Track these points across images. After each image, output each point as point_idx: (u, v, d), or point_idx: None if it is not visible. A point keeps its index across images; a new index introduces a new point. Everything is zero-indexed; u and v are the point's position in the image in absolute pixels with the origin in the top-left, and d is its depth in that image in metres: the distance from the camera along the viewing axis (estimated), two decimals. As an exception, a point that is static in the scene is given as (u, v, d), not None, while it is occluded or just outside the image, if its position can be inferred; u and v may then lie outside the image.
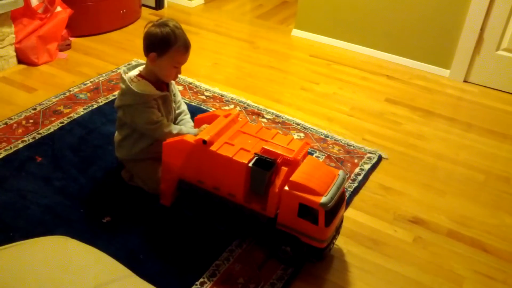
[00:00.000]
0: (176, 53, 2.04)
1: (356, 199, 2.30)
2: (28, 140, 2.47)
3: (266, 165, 1.82)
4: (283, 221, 1.84)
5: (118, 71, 3.13)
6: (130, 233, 2.01)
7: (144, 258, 1.90)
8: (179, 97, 2.32)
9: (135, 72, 2.14)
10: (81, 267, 1.25)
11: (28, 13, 3.15)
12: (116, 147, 2.25)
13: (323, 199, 1.73)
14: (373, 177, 2.46)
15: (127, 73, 2.13)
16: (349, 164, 2.50)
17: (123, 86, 2.09)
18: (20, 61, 3.19)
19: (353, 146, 2.64)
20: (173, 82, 2.25)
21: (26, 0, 3.08)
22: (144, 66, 2.16)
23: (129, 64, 2.22)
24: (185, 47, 2.05)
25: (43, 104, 2.77)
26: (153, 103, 2.08)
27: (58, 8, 3.27)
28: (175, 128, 2.10)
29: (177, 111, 2.29)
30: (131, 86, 2.05)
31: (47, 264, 1.22)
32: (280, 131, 2.14)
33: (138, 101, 2.05)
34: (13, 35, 3.11)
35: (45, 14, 3.21)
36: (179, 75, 2.17)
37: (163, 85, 2.15)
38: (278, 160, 1.84)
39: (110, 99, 2.84)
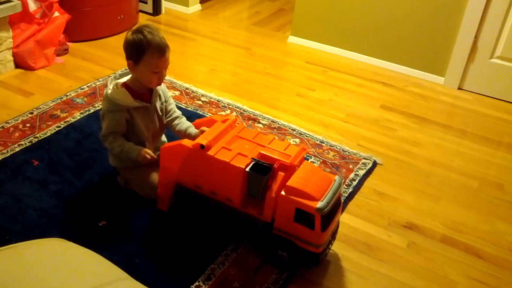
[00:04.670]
0: (151, 58, 2.00)
1: (351, 205, 2.32)
2: (25, 144, 2.48)
3: (263, 170, 1.84)
4: (280, 226, 1.85)
5: (115, 76, 3.14)
6: (126, 237, 2.02)
7: (140, 261, 1.91)
8: (171, 105, 2.28)
9: (124, 79, 2.15)
10: (77, 269, 1.25)
11: (26, 18, 3.17)
12: (109, 155, 2.27)
13: (319, 204, 1.75)
14: (367, 182, 2.47)
15: (118, 78, 2.15)
16: (344, 170, 2.52)
17: (104, 91, 2.11)
18: (17, 65, 3.20)
19: (348, 152, 2.66)
20: (165, 89, 2.25)
21: (24, 5, 3.09)
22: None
23: (126, 69, 2.22)
24: (160, 50, 2.00)
25: (40, 108, 2.78)
26: (121, 114, 2.07)
27: (56, 13, 3.28)
28: (118, 146, 2.07)
29: (172, 117, 2.26)
30: (108, 92, 2.07)
31: (43, 266, 1.22)
32: (276, 137, 2.16)
33: (109, 108, 2.07)
34: (11, 40, 3.12)
35: (43, 19, 3.23)
36: (172, 77, 2.15)
37: (145, 95, 2.13)
38: (275, 165, 1.85)
39: (107, 104, 2.85)
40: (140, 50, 2.00)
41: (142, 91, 2.12)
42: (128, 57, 2.04)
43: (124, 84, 2.10)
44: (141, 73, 2.05)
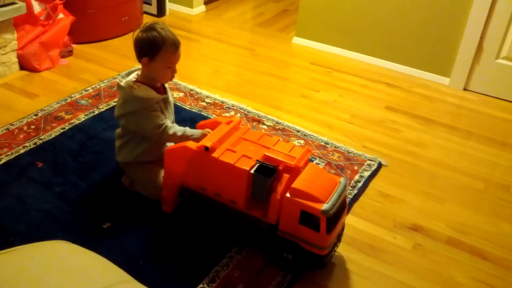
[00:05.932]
0: (167, 54, 2.06)
1: (356, 206, 2.31)
2: (30, 145, 2.48)
3: (268, 172, 1.83)
4: (285, 228, 1.84)
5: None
6: (130, 238, 2.01)
7: (144, 264, 1.91)
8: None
9: (131, 78, 2.16)
10: (81, 271, 1.25)
11: (31, 19, 3.17)
12: (117, 151, 2.27)
13: (324, 206, 1.74)
14: (372, 184, 2.46)
15: (122, 81, 2.15)
16: (349, 171, 2.51)
17: (124, 94, 2.11)
18: (22, 67, 3.21)
19: (353, 153, 2.65)
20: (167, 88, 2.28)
21: (28, 7, 3.10)
22: (137, 71, 2.18)
23: (129, 70, 2.23)
24: (174, 46, 2.07)
25: (45, 110, 2.78)
26: (156, 106, 2.11)
27: (60, 15, 3.29)
28: (179, 130, 2.11)
29: None
30: (134, 93, 2.07)
31: (47, 269, 1.22)
32: (281, 138, 2.15)
33: (142, 106, 2.08)
34: (16, 42, 3.13)
35: (48, 21, 3.23)
36: (175, 78, 2.18)
37: (160, 89, 2.18)
38: (279, 167, 1.85)
39: (111, 105, 2.86)
40: (156, 46, 2.04)
41: (156, 86, 2.15)
42: (143, 55, 2.07)
43: (140, 82, 2.12)
44: (155, 69, 2.09)
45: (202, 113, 2.88)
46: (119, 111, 2.16)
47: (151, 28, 2.06)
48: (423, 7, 3.42)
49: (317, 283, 1.91)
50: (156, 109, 2.11)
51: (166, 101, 2.19)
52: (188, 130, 2.13)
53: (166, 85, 2.25)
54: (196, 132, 2.12)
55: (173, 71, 2.12)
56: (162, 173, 2.12)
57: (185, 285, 1.84)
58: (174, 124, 2.18)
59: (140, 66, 2.16)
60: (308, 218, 1.78)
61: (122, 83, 2.12)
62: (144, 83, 2.11)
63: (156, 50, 2.04)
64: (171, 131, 2.09)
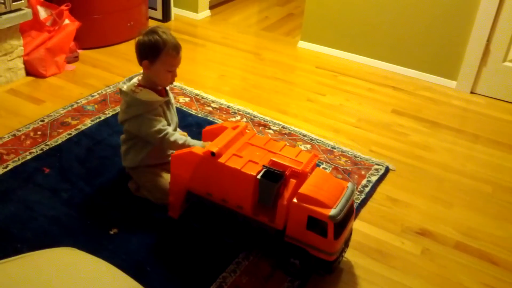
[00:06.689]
0: (167, 57, 2.08)
1: (363, 211, 2.30)
2: (36, 151, 2.48)
3: (275, 177, 1.82)
4: (292, 234, 1.83)
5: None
6: (137, 244, 2.01)
7: (151, 270, 1.90)
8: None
9: (133, 82, 2.17)
10: (88, 279, 1.25)
11: (37, 25, 3.18)
12: (122, 157, 2.27)
13: (332, 212, 1.73)
14: (380, 188, 2.45)
15: (123, 86, 2.17)
16: (356, 176, 2.50)
17: (127, 98, 2.12)
18: (28, 73, 3.21)
19: (360, 158, 2.64)
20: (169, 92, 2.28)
21: (34, 13, 3.11)
22: (138, 77, 2.20)
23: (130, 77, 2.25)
24: (175, 49, 2.09)
25: (51, 115, 2.78)
26: (159, 110, 2.12)
27: (66, 21, 3.29)
28: (181, 139, 2.11)
29: None
30: (137, 96, 2.08)
31: (55, 276, 1.22)
32: (287, 143, 2.14)
33: (145, 110, 2.09)
34: (22, 48, 3.14)
35: (53, 27, 3.24)
36: (182, 83, 2.18)
37: (162, 91, 2.20)
38: (286, 172, 1.84)
39: (117, 111, 2.85)
40: (157, 49, 2.06)
41: (158, 89, 2.17)
42: (144, 58, 2.09)
43: (141, 86, 2.13)
44: (156, 72, 2.11)
45: (208, 118, 2.88)
46: (123, 116, 2.17)
47: (152, 31, 2.08)
48: (429, 10, 3.41)
49: (325, 288, 1.91)
50: (159, 113, 2.12)
51: (168, 103, 2.21)
52: (189, 140, 2.13)
53: (167, 87, 2.27)
54: (198, 143, 2.11)
55: (173, 75, 2.14)
56: (168, 177, 2.12)
57: (192, 291, 1.83)
58: (176, 132, 2.18)
59: (141, 72, 2.17)
60: (316, 224, 1.77)
61: (124, 88, 2.14)
62: (146, 87, 2.13)
63: (157, 53, 2.06)
64: (172, 138, 2.09)
